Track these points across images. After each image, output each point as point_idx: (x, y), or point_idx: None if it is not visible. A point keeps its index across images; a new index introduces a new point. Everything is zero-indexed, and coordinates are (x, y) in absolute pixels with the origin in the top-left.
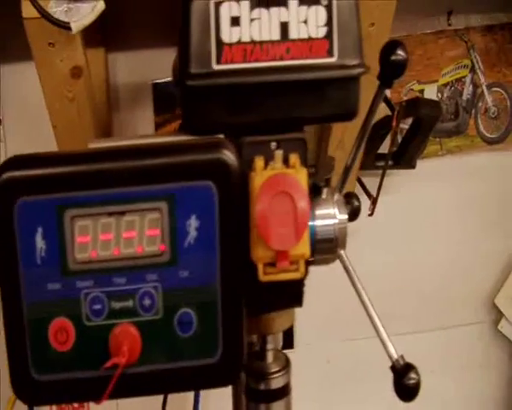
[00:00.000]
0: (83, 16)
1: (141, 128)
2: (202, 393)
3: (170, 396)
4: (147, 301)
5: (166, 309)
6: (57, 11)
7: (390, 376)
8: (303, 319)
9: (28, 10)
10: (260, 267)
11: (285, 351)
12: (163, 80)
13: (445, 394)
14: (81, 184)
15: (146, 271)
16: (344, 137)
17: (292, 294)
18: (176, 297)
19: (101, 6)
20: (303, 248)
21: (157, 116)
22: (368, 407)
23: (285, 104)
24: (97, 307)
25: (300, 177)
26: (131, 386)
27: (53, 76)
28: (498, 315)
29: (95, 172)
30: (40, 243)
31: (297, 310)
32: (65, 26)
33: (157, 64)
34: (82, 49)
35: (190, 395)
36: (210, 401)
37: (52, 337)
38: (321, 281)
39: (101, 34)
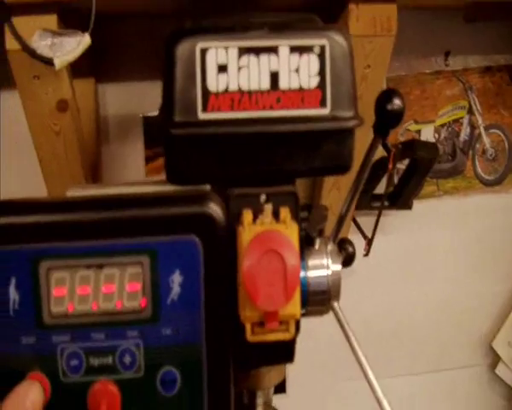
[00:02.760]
0: (67, 51)
1: (131, 162)
2: None
3: None
4: (127, 359)
5: (148, 367)
6: (41, 45)
7: None
8: (296, 360)
9: (12, 42)
10: (248, 327)
11: (278, 395)
12: (154, 114)
13: None
14: (58, 234)
15: (126, 327)
16: (339, 178)
17: (282, 351)
18: (158, 355)
19: (86, 41)
20: (293, 308)
21: (147, 149)
22: None
23: (275, 156)
24: (74, 363)
25: (291, 233)
26: None
27: (38, 109)
28: (495, 358)
29: (73, 223)
30: (14, 294)
31: None
32: (48, 62)
33: (148, 97)
34: (68, 82)
35: None
36: None
37: None
38: (315, 322)
39: (91, 65)
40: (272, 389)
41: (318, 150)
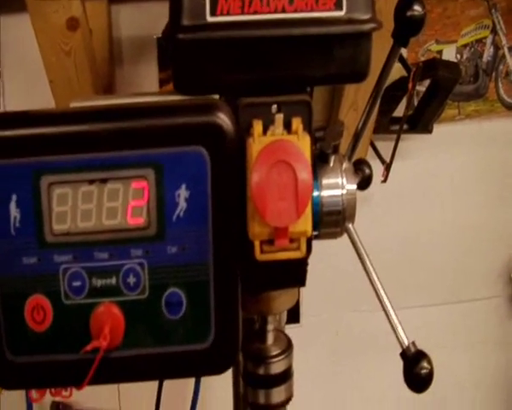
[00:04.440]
0: None
1: (145, 84)
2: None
3: (169, 381)
4: (131, 279)
5: (153, 288)
6: None
7: (399, 347)
8: (309, 290)
9: None
10: (257, 245)
11: (291, 325)
12: None
13: (457, 370)
14: (60, 147)
15: (130, 245)
16: (357, 98)
17: (293, 273)
18: (163, 275)
19: None
20: (304, 224)
21: (162, 72)
22: (376, 379)
23: (287, 62)
24: (77, 284)
25: (303, 144)
26: (115, 371)
27: (48, 28)
28: None
29: (75, 135)
30: (14, 211)
31: None
32: None
33: (162, 17)
34: None
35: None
36: (213, 381)
37: (28, 316)
38: (328, 249)
39: None
40: (285, 317)
41: (333, 55)
